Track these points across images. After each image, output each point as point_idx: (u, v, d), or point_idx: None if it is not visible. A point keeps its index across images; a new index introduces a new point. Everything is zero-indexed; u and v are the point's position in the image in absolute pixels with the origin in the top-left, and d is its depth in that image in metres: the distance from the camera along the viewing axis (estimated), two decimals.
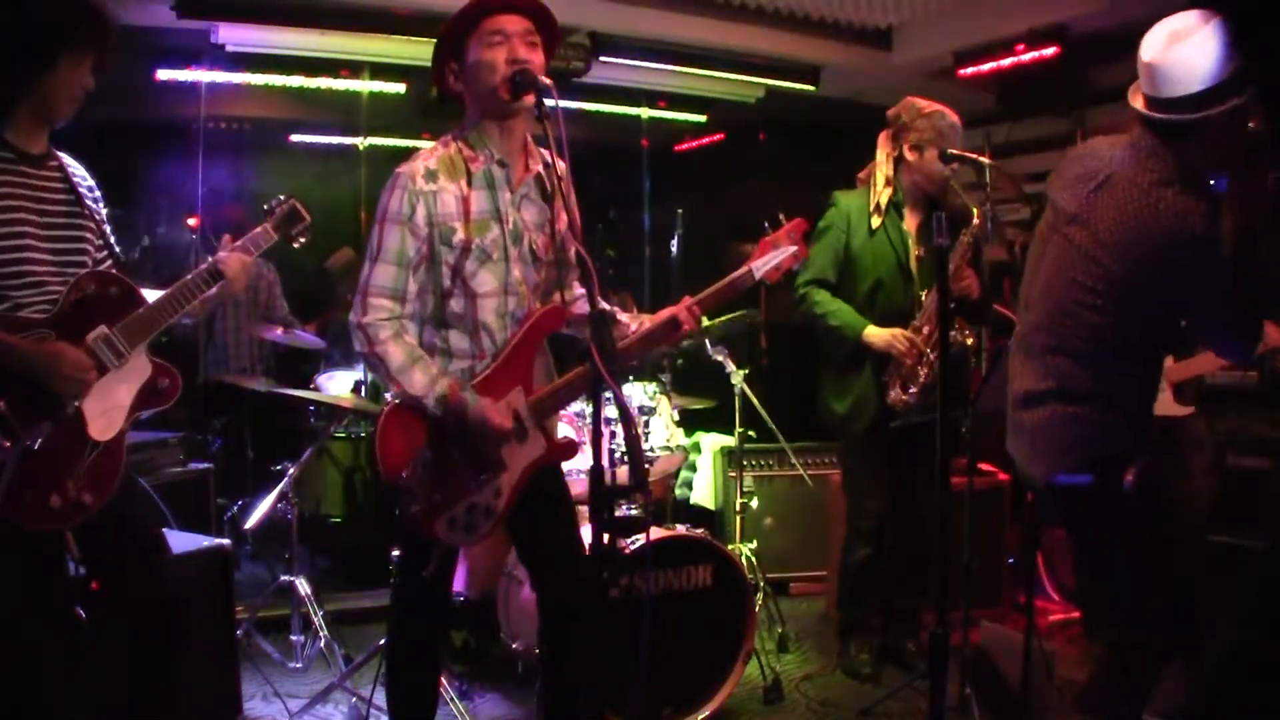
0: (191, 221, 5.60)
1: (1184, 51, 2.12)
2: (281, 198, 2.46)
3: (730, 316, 3.82)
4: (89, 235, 2.27)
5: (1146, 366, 2.33)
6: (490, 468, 2.29)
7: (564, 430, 3.54)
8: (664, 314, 2.37)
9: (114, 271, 2.28)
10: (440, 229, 2.25)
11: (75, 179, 2.28)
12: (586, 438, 3.48)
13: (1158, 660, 2.36)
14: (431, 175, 2.25)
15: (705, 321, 3.81)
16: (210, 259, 2.31)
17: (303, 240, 2.49)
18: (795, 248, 2.42)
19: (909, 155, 3.42)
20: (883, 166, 3.48)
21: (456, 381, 2.25)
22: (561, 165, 2.34)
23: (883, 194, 3.46)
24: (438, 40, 2.32)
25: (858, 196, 3.53)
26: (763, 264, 2.40)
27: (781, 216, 2.47)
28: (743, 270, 2.40)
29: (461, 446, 2.25)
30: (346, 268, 5.51)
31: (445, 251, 2.27)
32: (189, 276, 2.26)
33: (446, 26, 2.29)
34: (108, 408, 2.17)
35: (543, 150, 2.39)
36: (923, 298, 3.44)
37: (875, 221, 3.46)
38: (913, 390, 3.36)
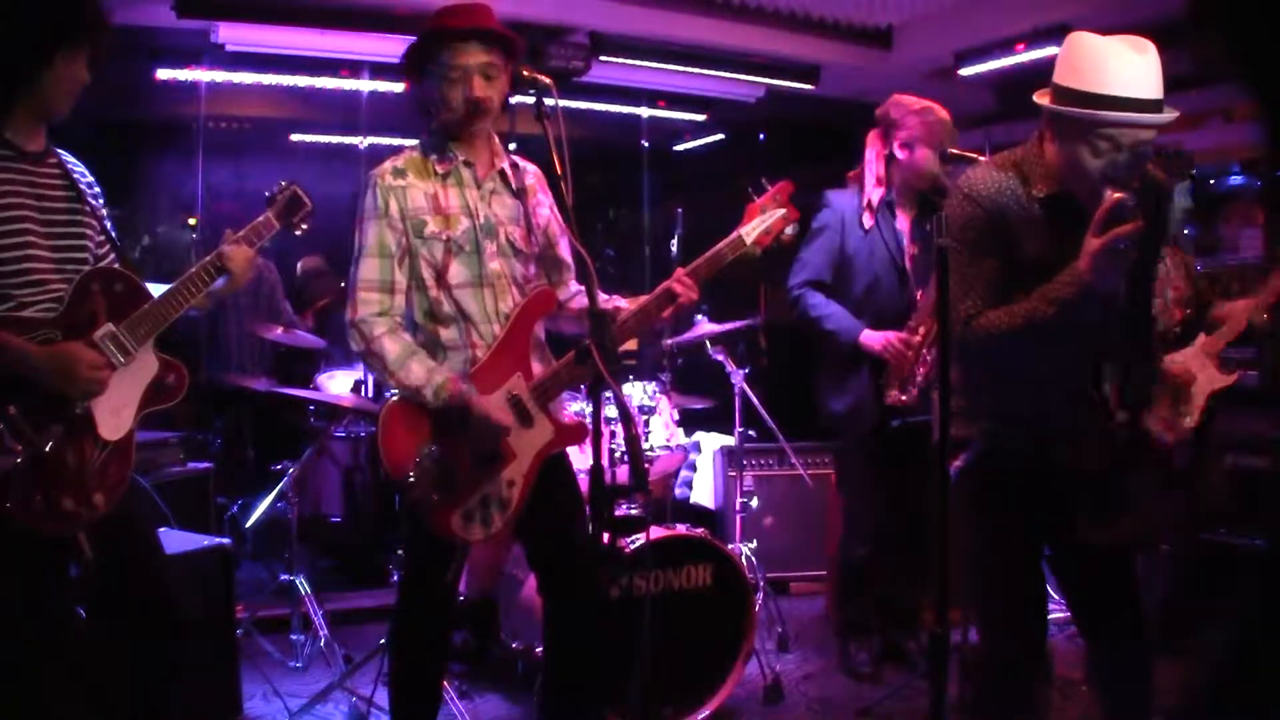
0: (192, 221, 5.62)
1: None
2: (283, 183, 2.43)
3: (735, 325, 3.83)
4: (90, 232, 2.26)
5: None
6: (499, 456, 2.29)
7: None
8: (658, 289, 2.39)
9: (118, 267, 2.27)
10: (412, 221, 2.32)
11: (75, 175, 2.27)
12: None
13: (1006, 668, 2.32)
14: (400, 173, 2.35)
15: (711, 326, 3.83)
16: (214, 251, 2.30)
17: (304, 227, 2.46)
18: (783, 210, 2.42)
19: (899, 153, 3.40)
20: (874, 165, 3.46)
21: (455, 374, 2.27)
22: (531, 167, 2.45)
23: (874, 193, 3.44)
24: (404, 61, 2.39)
25: (850, 196, 3.52)
26: (752, 228, 2.41)
27: (765, 181, 2.46)
28: (733, 236, 2.42)
29: (466, 438, 2.26)
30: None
31: (419, 244, 2.33)
32: (193, 269, 2.25)
33: (408, 54, 2.37)
34: (116, 406, 2.16)
35: (518, 160, 2.46)
36: (918, 298, 3.44)
37: (868, 220, 3.45)
38: (911, 390, 3.35)
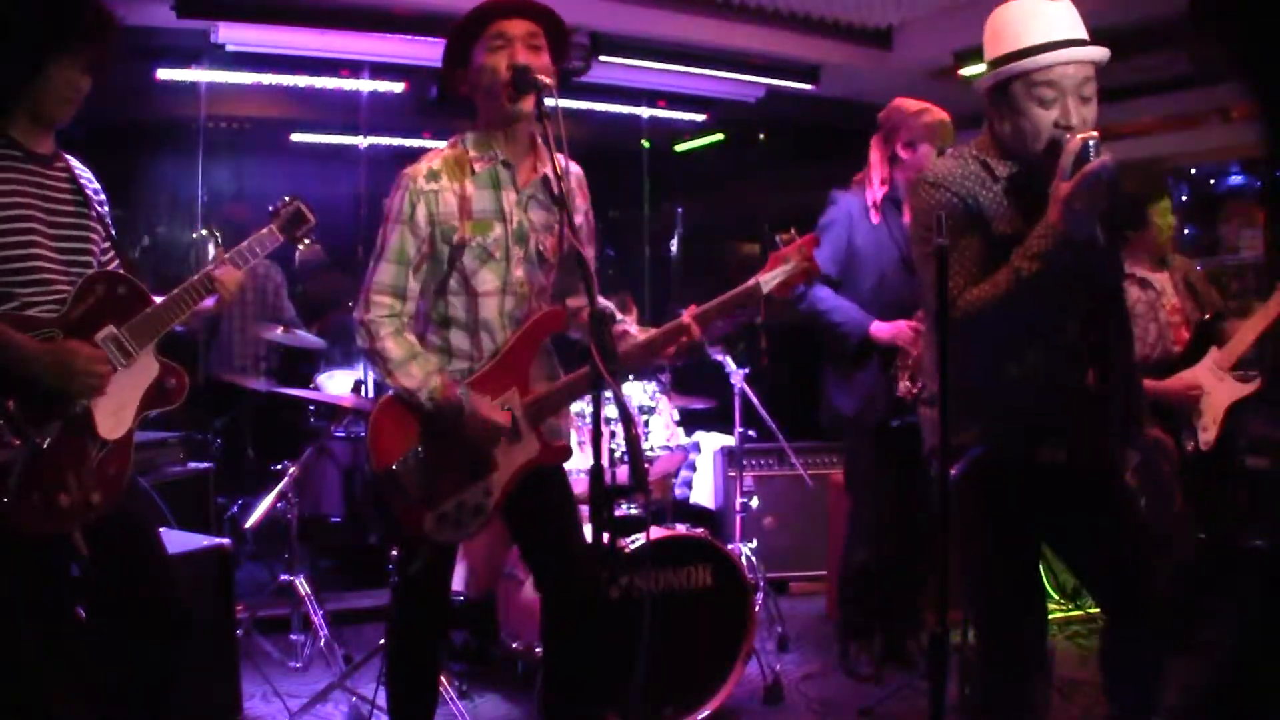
0: (198, 229, 5.61)
1: None
2: (287, 199, 2.46)
3: (735, 322, 3.82)
4: (95, 236, 2.27)
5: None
6: (482, 466, 2.29)
7: None
8: (668, 326, 2.36)
9: (122, 271, 2.28)
10: (441, 227, 2.28)
11: (82, 180, 2.28)
12: (587, 438, 3.49)
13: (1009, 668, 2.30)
14: (434, 175, 2.29)
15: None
16: (205, 269, 2.30)
17: (307, 241, 2.51)
18: (806, 264, 2.40)
19: (902, 154, 3.46)
20: (877, 168, 3.52)
21: (451, 379, 2.26)
22: (575, 168, 2.37)
23: (879, 192, 3.51)
24: (445, 47, 2.34)
25: (856, 195, 3.57)
26: (771, 278, 2.38)
27: (794, 230, 2.45)
28: (750, 284, 2.38)
29: (453, 443, 2.25)
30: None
31: (446, 249, 2.29)
32: (185, 284, 2.25)
33: (452, 33, 2.31)
34: (116, 407, 2.17)
35: (559, 155, 2.40)
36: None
37: (874, 217, 3.50)
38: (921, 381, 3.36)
